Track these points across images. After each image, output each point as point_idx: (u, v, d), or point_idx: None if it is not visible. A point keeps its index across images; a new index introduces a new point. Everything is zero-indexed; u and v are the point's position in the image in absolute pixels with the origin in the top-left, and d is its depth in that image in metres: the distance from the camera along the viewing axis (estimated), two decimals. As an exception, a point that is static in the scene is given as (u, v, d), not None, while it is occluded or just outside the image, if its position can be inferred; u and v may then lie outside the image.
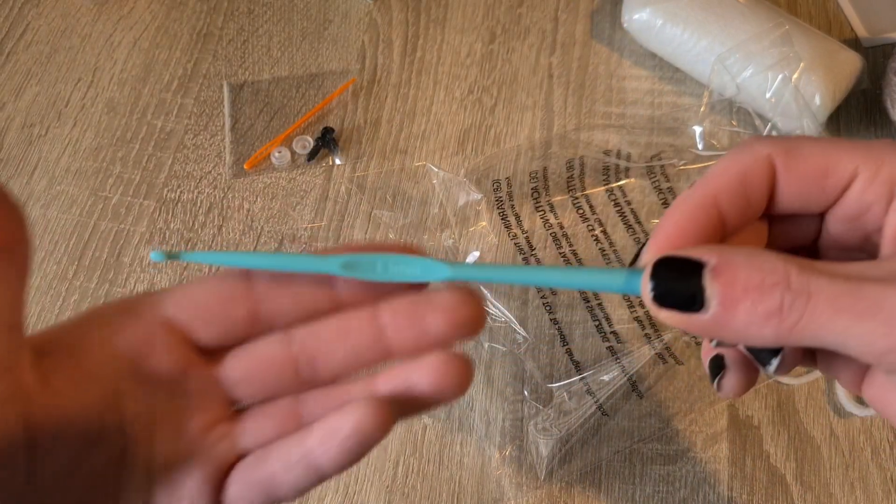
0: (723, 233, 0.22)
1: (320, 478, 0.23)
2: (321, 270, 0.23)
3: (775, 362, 0.22)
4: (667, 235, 0.22)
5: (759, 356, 0.22)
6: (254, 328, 0.24)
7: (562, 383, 0.44)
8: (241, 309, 0.23)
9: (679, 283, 0.20)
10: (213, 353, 0.24)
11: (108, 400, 0.23)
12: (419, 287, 0.24)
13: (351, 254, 0.23)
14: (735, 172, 0.22)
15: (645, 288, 0.20)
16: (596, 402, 0.43)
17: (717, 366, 0.24)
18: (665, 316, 0.20)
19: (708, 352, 0.25)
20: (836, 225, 0.23)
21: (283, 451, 0.23)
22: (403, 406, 0.23)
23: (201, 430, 0.24)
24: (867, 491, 0.42)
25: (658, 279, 0.20)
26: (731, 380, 0.24)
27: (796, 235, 0.24)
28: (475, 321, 0.23)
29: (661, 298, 0.20)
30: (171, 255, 0.23)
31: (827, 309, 0.18)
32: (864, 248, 0.23)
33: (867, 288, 0.18)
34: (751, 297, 0.19)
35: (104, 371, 0.23)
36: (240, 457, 0.24)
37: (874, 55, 0.55)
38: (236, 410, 0.25)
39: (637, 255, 0.23)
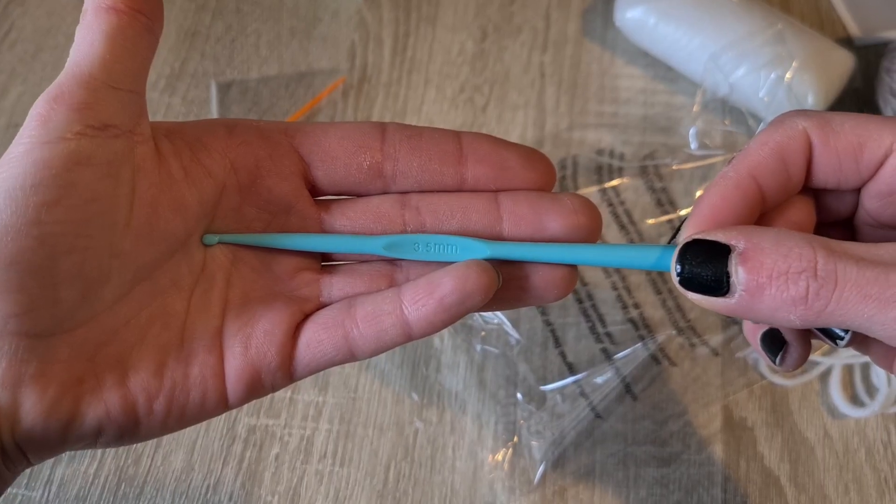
0: (763, 207, 0.22)
1: (405, 336, 0.23)
2: (364, 251, 0.24)
3: (847, 337, 0.21)
4: (704, 213, 0.22)
5: (829, 333, 0.22)
6: (372, 183, 0.24)
7: (555, 385, 0.44)
8: (368, 159, 0.24)
9: (706, 267, 0.20)
10: (324, 197, 0.25)
11: (208, 204, 0.23)
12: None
13: (393, 235, 0.23)
14: (773, 147, 0.22)
15: (673, 270, 0.20)
16: (589, 405, 0.42)
17: (776, 341, 0.24)
18: (693, 297, 0.20)
19: (753, 328, 0.25)
20: (872, 201, 0.23)
21: (371, 303, 0.23)
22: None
23: (288, 272, 0.24)
24: (861, 492, 0.41)
25: (685, 263, 0.20)
26: (793, 355, 0.24)
27: (833, 210, 0.24)
28: (592, 229, 0.23)
29: (688, 282, 0.20)
30: (211, 240, 0.24)
31: (854, 296, 0.18)
32: None
33: (895, 275, 0.18)
34: (776, 284, 0.19)
35: (217, 172, 0.23)
36: (321, 307, 0.24)
37: (867, 54, 0.54)
38: (326, 266, 0.25)
39: (677, 231, 0.23)
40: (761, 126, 0.49)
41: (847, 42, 0.56)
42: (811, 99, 0.48)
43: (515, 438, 0.43)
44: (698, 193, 0.50)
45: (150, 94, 0.55)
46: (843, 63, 0.50)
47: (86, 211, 0.21)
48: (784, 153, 0.22)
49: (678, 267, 0.20)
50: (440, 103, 0.55)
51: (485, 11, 0.59)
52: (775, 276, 0.19)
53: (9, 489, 0.42)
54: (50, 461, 0.43)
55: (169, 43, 0.58)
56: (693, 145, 0.51)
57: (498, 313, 0.45)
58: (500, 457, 0.43)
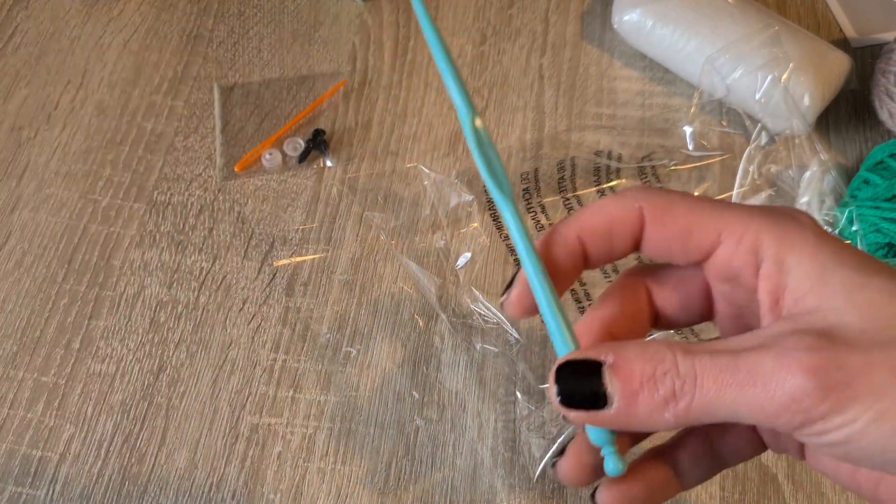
0: (584, 265, 0.24)
1: None
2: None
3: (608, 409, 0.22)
4: (530, 267, 0.23)
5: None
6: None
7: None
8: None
9: (582, 383, 0.21)
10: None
11: None
12: None
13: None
14: (604, 216, 0.23)
15: (551, 391, 0.21)
16: (588, 403, 0.43)
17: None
18: (573, 416, 0.21)
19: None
20: (718, 284, 0.24)
21: None
22: None
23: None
24: (858, 489, 0.42)
25: (563, 382, 0.21)
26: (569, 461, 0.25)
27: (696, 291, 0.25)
28: None
29: (569, 400, 0.21)
30: None
31: (713, 385, 0.19)
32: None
33: (744, 357, 0.19)
34: (647, 388, 0.20)
35: None
36: None
37: (862, 55, 0.55)
38: None
39: (509, 285, 0.24)
40: (758, 128, 0.49)
41: (843, 44, 0.57)
42: (807, 100, 0.49)
43: (515, 436, 0.43)
44: (696, 194, 0.50)
45: (152, 96, 0.56)
46: (838, 64, 0.50)
47: None
48: (612, 225, 0.23)
49: (556, 387, 0.21)
50: (440, 106, 0.55)
51: (484, 15, 0.59)
52: (645, 381, 0.20)
53: (13, 488, 0.43)
54: (54, 460, 0.44)
55: (171, 46, 0.58)
56: (690, 146, 0.51)
57: (496, 312, 0.46)
58: (499, 454, 0.43)
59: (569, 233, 0.23)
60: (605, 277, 0.48)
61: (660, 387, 0.20)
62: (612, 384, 0.20)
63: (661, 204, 0.22)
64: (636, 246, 0.23)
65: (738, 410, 0.19)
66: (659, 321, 0.25)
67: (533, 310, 0.24)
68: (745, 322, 0.24)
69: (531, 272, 0.23)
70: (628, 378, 0.20)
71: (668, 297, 0.24)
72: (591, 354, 0.21)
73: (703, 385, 0.19)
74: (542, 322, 0.23)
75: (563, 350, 0.23)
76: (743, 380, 0.19)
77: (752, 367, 0.19)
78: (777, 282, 0.21)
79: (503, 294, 0.25)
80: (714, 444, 0.25)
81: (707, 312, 0.25)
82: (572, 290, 0.47)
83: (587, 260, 0.24)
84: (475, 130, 0.24)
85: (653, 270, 0.25)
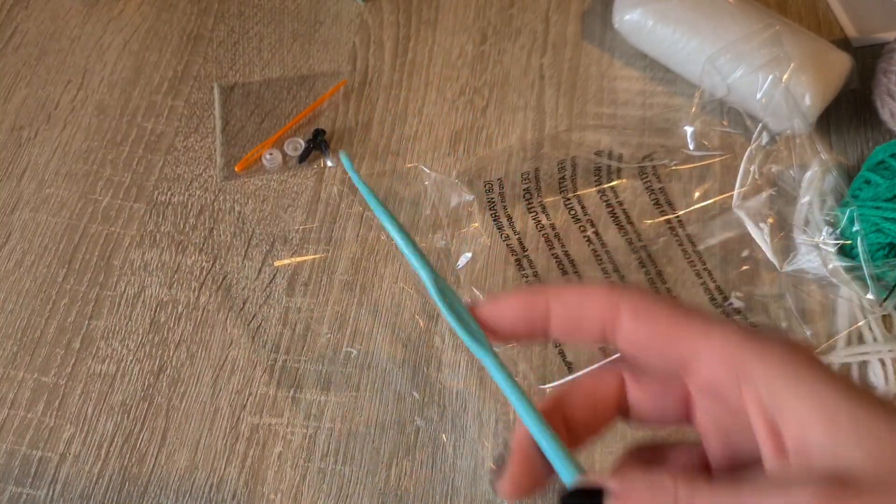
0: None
1: None
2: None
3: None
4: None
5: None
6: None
7: (554, 384, 0.44)
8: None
9: None
10: None
11: None
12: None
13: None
14: (579, 301, 0.23)
15: None
16: (589, 403, 0.43)
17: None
18: None
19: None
20: (703, 398, 0.23)
21: None
22: None
23: None
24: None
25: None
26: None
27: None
28: None
29: None
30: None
31: None
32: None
33: (745, 490, 0.19)
34: None
35: None
36: None
37: (863, 55, 0.55)
38: None
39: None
40: (759, 127, 0.49)
41: (844, 43, 0.56)
42: (808, 100, 0.49)
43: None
44: (696, 194, 0.50)
45: (153, 96, 0.56)
46: (840, 64, 0.50)
47: None
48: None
49: None
50: (440, 105, 0.55)
51: (484, 14, 0.59)
52: None
53: (13, 488, 0.43)
54: (55, 461, 0.44)
55: (172, 46, 0.58)
56: (691, 146, 0.51)
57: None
58: (500, 454, 0.43)
59: (537, 302, 0.23)
60: (606, 277, 0.47)
61: None
62: None
63: (641, 303, 0.22)
64: (607, 342, 0.23)
65: None
66: (630, 415, 0.25)
67: (529, 491, 0.24)
68: (731, 438, 0.23)
69: (520, 407, 0.23)
70: None
71: (642, 395, 0.24)
72: (598, 482, 0.21)
73: None
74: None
75: (568, 475, 0.23)
76: None
77: (753, 501, 0.19)
78: (770, 410, 0.20)
79: (492, 473, 0.25)
80: None
81: (684, 417, 0.24)
82: (562, 268, 0.47)
83: (550, 333, 0.24)
84: (440, 291, 0.25)
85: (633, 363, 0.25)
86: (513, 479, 0.24)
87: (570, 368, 0.45)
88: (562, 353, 0.45)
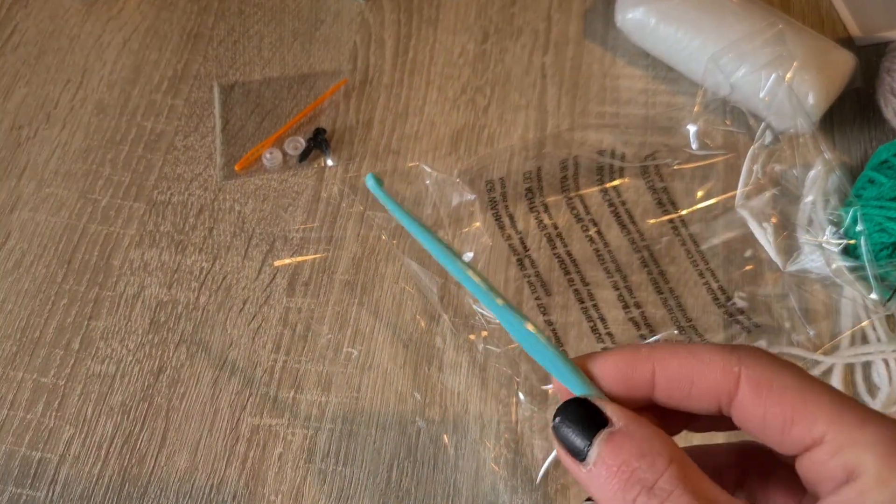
0: (648, 401, 0.22)
1: None
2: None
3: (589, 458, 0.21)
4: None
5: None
6: None
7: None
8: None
9: (577, 431, 0.20)
10: None
11: None
12: None
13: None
14: (692, 365, 0.21)
15: (551, 417, 0.21)
16: (591, 404, 0.42)
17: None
18: (557, 447, 0.21)
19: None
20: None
21: None
22: None
23: None
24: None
25: (563, 418, 0.21)
26: None
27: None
28: None
29: (558, 431, 0.21)
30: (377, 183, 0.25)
31: None
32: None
33: None
34: (616, 480, 0.19)
35: None
36: None
37: (867, 54, 0.54)
38: None
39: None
40: (762, 126, 0.49)
41: (847, 42, 0.56)
42: (812, 99, 0.48)
43: (517, 437, 0.43)
44: (699, 194, 0.50)
45: (152, 95, 0.56)
46: (843, 63, 0.50)
47: None
48: (698, 378, 0.21)
49: (557, 417, 0.21)
50: (442, 104, 0.55)
51: (486, 13, 0.59)
52: (620, 472, 0.19)
53: (13, 489, 0.42)
54: (54, 462, 0.43)
55: (172, 45, 0.58)
56: (694, 145, 0.51)
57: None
58: (502, 456, 0.43)
59: (642, 364, 0.21)
60: (609, 277, 0.47)
61: (626, 490, 0.19)
62: (596, 449, 0.20)
63: (765, 377, 0.20)
64: (720, 412, 0.21)
65: None
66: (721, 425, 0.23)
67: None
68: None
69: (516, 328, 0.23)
70: (612, 455, 0.19)
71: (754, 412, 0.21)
72: (606, 408, 0.20)
73: None
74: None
75: (579, 389, 0.22)
76: None
77: None
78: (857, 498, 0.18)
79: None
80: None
81: (702, 426, 0.23)
82: (575, 289, 0.47)
83: (654, 398, 0.22)
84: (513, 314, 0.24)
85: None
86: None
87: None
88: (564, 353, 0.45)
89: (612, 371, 0.22)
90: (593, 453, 0.20)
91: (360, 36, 0.58)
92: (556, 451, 0.21)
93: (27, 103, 0.56)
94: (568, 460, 0.21)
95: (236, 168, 0.52)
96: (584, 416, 0.20)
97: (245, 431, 0.44)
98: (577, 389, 0.22)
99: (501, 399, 0.44)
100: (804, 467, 0.20)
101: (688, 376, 0.21)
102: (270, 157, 0.52)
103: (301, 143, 0.53)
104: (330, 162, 0.53)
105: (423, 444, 0.43)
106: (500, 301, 0.24)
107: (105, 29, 0.59)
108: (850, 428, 0.19)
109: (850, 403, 0.19)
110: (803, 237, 0.47)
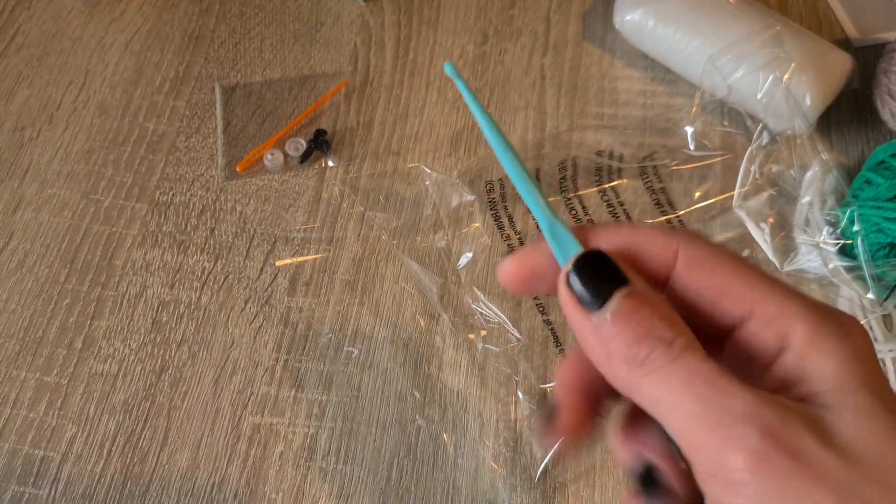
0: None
1: None
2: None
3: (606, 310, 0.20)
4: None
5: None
6: None
7: (553, 384, 0.44)
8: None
9: (594, 282, 0.20)
10: None
11: None
12: None
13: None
14: (636, 238, 0.22)
15: (564, 273, 0.21)
16: (589, 403, 0.43)
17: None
18: (564, 296, 0.21)
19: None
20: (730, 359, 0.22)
21: None
22: None
23: None
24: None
25: (581, 267, 0.21)
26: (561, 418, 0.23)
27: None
28: None
29: (571, 279, 0.21)
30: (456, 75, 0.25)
31: (681, 378, 0.19)
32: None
33: (734, 393, 0.18)
34: (633, 332, 0.19)
35: None
36: None
37: (864, 55, 0.55)
38: None
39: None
40: (760, 127, 0.49)
41: (845, 43, 0.56)
42: (809, 100, 0.49)
43: (516, 436, 0.43)
44: (697, 194, 0.50)
45: (154, 97, 0.56)
46: (840, 64, 0.50)
47: None
48: (642, 250, 0.21)
49: (570, 268, 0.21)
50: (441, 105, 0.55)
51: (485, 15, 0.59)
52: (640, 325, 0.19)
53: (16, 487, 0.43)
54: (57, 460, 0.44)
55: (173, 46, 0.58)
56: (692, 146, 0.51)
57: (498, 312, 0.46)
58: (501, 454, 0.43)
59: (596, 237, 0.22)
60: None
61: (643, 344, 0.19)
62: (616, 301, 0.20)
63: (699, 254, 0.21)
64: (659, 285, 0.22)
65: (673, 418, 0.19)
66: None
67: (582, 428, 0.23)
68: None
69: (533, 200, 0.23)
70: (634, 310, 0.19)
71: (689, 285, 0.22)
72: (627, 272, 0.20)
73: (673, 369, 0.19)
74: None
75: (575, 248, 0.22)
76: (705, 396, 0.18)
77: (734, 408, 0.18)
78: (794, 369, 0.19)
79: (539, 428, 0.23)
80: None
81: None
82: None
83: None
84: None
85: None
86: (567, 417, 0.23)
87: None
88: (563, 353, 0.45)
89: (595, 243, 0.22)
90: (612, 304, 0.20)
91: (360, 37, 0.58)
92: (561, 299, 0.21)
93: (30, 104, 0.56)
94: (575, 310, 0.20)
95: (238, 169, 0.53)
96: (603, 270, 0.20)
97: (246, 430, 0.44)
98: (570, 249, 0.22)
99: (500, 398, 0.45)
100: (737, 346, 0.21)
101: (633, 249, 0.22)
102: (272, 157, 0.53)
103: (302, 144, 0.53)
104: (331, 163, 0.53)
105: (422, 442, 0.44)
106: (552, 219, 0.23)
107: (107, 31, 0.59)
108: (780, 299, 0.20)
109: (778, 281, 0.20)
110: (800, 237, 0.47)
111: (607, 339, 0.20)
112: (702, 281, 0.21)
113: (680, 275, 0.21)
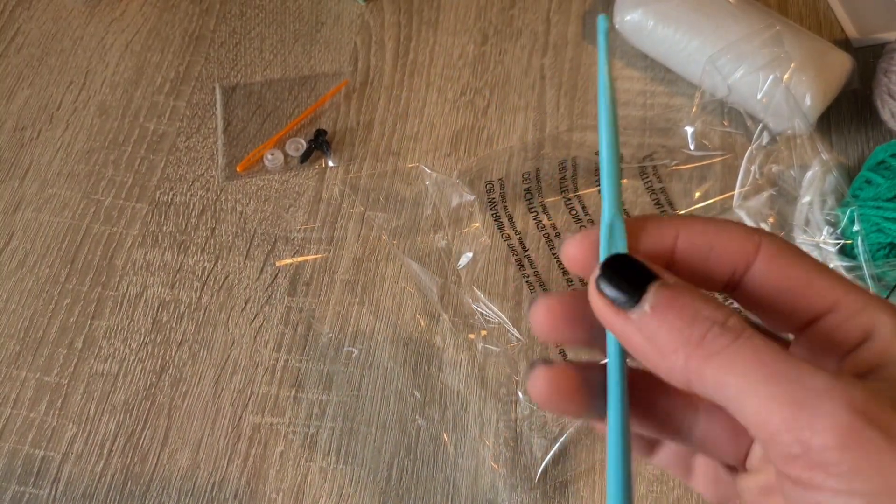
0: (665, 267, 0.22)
1: None
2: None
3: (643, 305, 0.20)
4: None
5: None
6: None
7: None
8: None
9: (625, 282, 0.20)
10: None
11: None
12: None
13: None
14: (714, 231, 0.22)
15: (595, 274, 0.20)
16: (589, 403, 0.43)
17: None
18: (596, 301, 0.20)
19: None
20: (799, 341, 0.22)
21: None
22: None
23: None
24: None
25: (609, 271, 0.20)
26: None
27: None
28: None
29: (600, 284, 0.20)
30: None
31: (749, 358, 0.18)
32: None
33: (792, 362, 0.18)
34: (680, 318, 0.19)
35: None
36: None
37: (864, 55, 0.55)
38: None
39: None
40: (760, 127, 0.49)
41: (844, 43, 0.57)
42: (809, 100, 0.49)
43: (517, 436, 0.43)
44: (697, 194, 0.50)
45: (154, 97, 0.56)
46: (840, 64, 0.50)
47: None
48: (718, 243, 0.21)
49: (598, 274, 0.20)
50: (441, 105, 0.55)
51: (485, 15, 0.59)
52: (686, 310, 0.19)
53: (16, 487, 0.43)
54: (57, 460, 0.44)
55: (174, 47, 0.58)
56: (692, 146, 0.51)
57: (498, 312, 0.46)
58: (501, 454, 0.43)
59: (666, 228, 0.21)
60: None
61: (695, 324, 0.18)
62: (652, 294, 0.19)
63: (783, 249, 0.21)
64: (733, 280, 0.21)
65: (746, 402, 0.18)
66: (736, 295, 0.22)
67: (563, 335, 0.22)
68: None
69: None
70: (673, 298, 0.19)
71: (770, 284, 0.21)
72: (654, 267, 0.20)
73: (739, 349, 0.18)
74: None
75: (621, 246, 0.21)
76: (786, 379, 0.17)
77: (798, 377, 0.17)
78: (877, 355, 0.19)
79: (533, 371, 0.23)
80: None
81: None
82: (563, 268, 0.47)
83: (672, 265, 0.22)
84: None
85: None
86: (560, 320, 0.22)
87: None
88: (563, 353, 0.45)
89: (640, 232, 0.22)
90: (649, 297, 0.19)
91: (360, 38, 0.58)
92: (593, 305, 0.20)
93: (30, 105, 0.56)
94: (613, 315, 0.20)
95: (238, 169, 0.53)
96: (632, 270, 0.20)
97: (247, 430, 0.44)
98: (617, 246, 0.21)
99: (501, 398, 0.45)
100: (816, 336, 0.21)
101: (709, 242, 0.21)
102: (272, 158, 0.53)
103: (302, 144, 0.53)
104: (331, 163, 0.53)
105: (422, 442, 0.44)
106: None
107: (108, 31, 0.59)
108: (863, 295, 0.20)
109: (855, 283, 0.20)
110: (800, 237, 0.47)
111: (653, 333, 0.19)
112: (787, 273, 0.20)
113: (761, 268, 0.21)
